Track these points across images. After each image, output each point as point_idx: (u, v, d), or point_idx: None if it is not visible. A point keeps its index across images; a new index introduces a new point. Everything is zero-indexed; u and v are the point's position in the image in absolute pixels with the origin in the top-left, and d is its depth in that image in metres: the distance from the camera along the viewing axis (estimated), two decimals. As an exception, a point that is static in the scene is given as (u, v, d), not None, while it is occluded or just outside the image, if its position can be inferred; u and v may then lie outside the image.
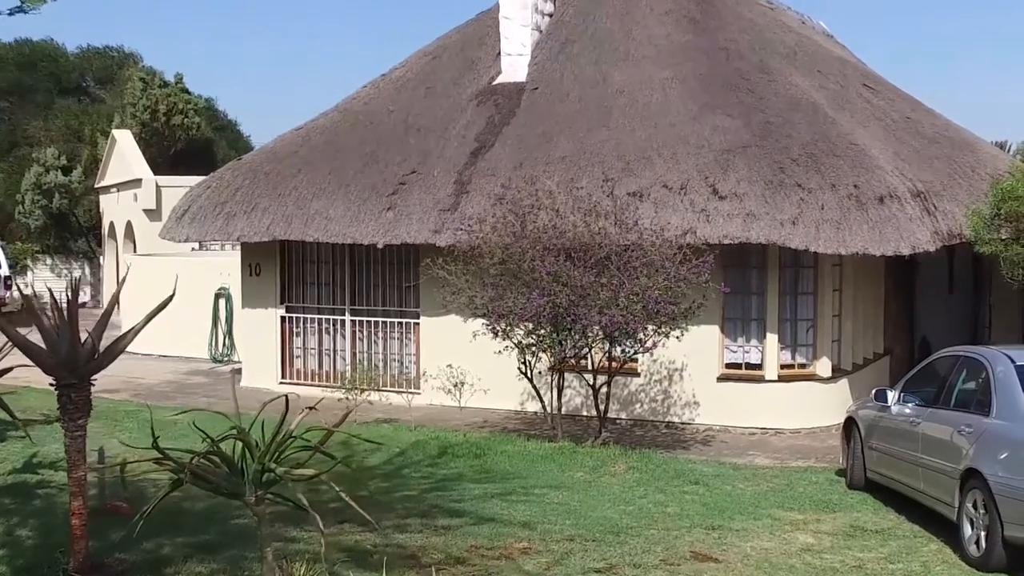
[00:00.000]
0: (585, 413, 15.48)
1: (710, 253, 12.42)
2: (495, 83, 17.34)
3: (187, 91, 31.79)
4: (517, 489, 11.00)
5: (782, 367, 14.84)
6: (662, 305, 11.90)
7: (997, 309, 17.83)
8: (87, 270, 31.69)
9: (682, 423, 15.00)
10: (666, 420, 15.10)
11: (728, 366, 15.04)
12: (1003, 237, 14.82)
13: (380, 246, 15.70)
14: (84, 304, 32.41)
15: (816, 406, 14.58)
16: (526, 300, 11.96)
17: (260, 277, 17.83)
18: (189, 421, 13.96)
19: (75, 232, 31.58)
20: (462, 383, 14.09)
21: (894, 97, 18.09)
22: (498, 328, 12.37)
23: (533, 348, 12.48)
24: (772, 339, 14.70)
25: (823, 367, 14.89)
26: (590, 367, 15.25)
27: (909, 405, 10.25)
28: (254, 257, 17.81)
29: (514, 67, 17.37)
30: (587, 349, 12.63)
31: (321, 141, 17.44)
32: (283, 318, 17.71)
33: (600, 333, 12.22)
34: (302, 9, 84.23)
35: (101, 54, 36.37)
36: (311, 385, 17.20)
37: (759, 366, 14.85)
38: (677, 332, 12.61)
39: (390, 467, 12.07)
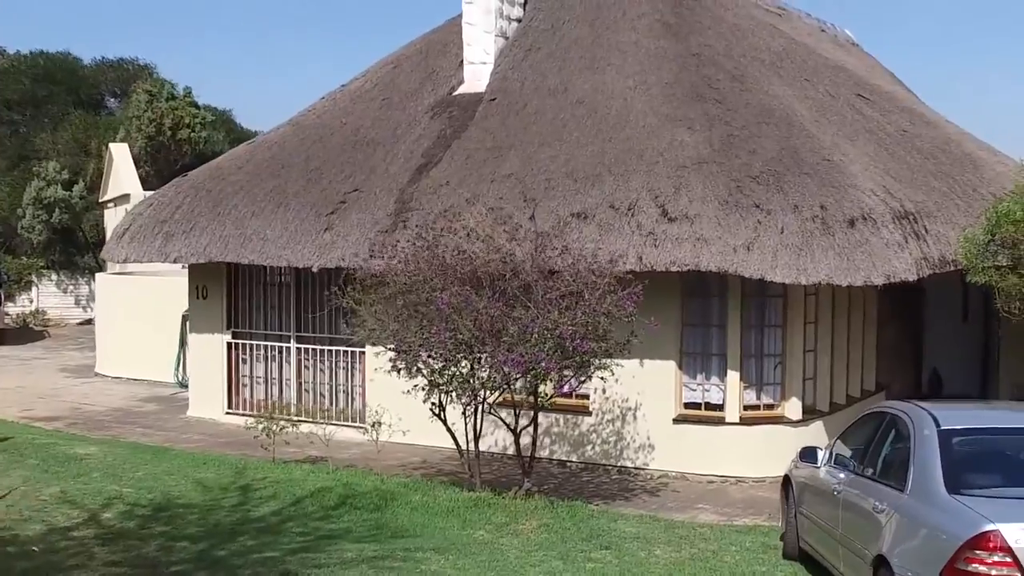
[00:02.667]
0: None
1: (638, 283, 11.03)
2: (456, 93, 16.11)
3: (195, 105, 31.09)
4: (398, 552, 9.70)
5: (746, 408, 13.34)
6: (578, 342, 10.52)
7: (1009, 342, 16.05)
8: (93, 286, 31.06)
9: (635, 468, 13.57)
10: (619, 464, 13.68)
11: (687, 406, 13.58)
12: (999, 265, 13.18)
13: (315, 270, 14.56)
14: (91, 321, 31.79)
15: (783, 452, 12.86)
16: (427, 334, 10.71)
17: (207, 300, 16.81)
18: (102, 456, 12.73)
19: (81, 247, 31.03)
20: (379, 423, 12.83)
21: (891, 108, 16.44)
22: (399, 365, 11.11)
23: (441, 387, 11.18)
24: (733, 377, 13.20)
25: (792, 408, 13.34)
26: (538, 403, 14.02)
27: (838, 468, 8.75)
28: (201, 279, 16.80)
29: (476, 76, 16.12)
30: (501, 388, 11.27)
31: (267, 157, 16.36)
32: (230, 344, 16.65)
33: (514, 372, 10.88)
34: (325, 22, 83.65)
35: (116, 67, 35.98)
36: (258, 416, 16.08)
37: (720, 407, 13.36)
38: (603, 373, 11.25)
39: (275, 519, 10.84)
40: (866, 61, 22.53)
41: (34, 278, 30.14)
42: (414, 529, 10.56)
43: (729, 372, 13.20)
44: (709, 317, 13.46)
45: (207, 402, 16.76)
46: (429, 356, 10.87)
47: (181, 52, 70.93)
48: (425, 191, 14.31)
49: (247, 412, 16.48)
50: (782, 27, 18.54)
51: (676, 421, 13.41)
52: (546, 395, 11.14)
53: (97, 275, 23.90)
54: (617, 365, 11.47)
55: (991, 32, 75.12)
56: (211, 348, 16.74)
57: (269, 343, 16.39)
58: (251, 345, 16.51)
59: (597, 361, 10.95)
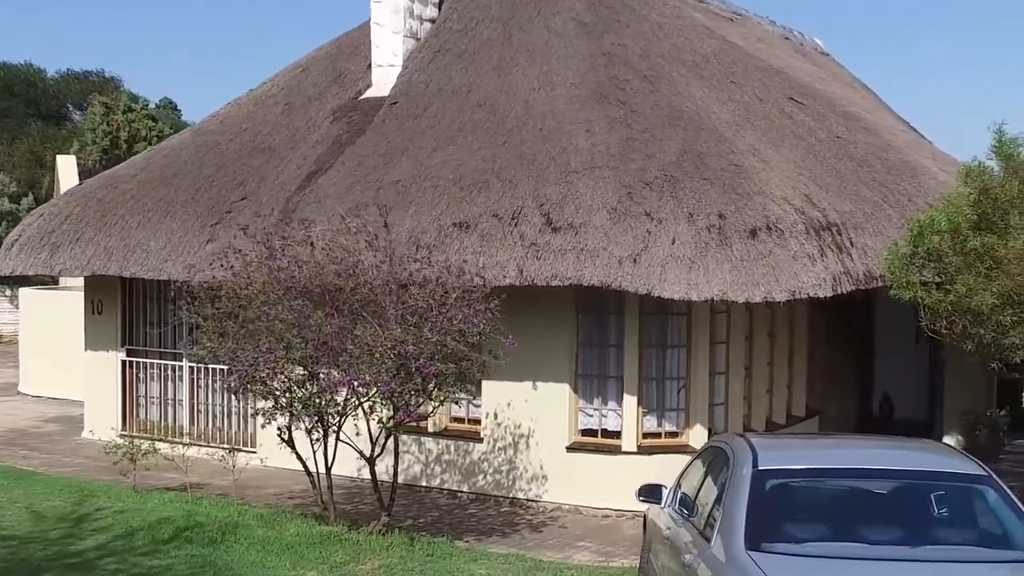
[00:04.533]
0: (424, 483, 13.12)
1: (494, 299, 9.99)
2: (362, 97, 15.16)
3: (153, 118, 30.25)
4: (204, 596, 8.70)
5: (645, 435, 12.24)
6: (422, 363, 9.48)
7: (953, 366, 14.82)
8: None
9: (528, 500, 12.48)
10: (511, 496, 12.60)
11: (584, 433, 12.50)
12: (925, 280, 12.05)
13: (194, 283, 13.55)
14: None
15: (685, 484, 11.87)
16: (259, 353, 9.74)
17: (102, 316, 15.88)
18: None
19: (36, 262, 30.18)
20: (235, 450, 11.83)
21: (827, 113, 15.32)
22: (233, 385, 10.14)
23: (283, 409, 10.16)
24: (630, 402, 12.11)
25: (697, 436, 12.21)
26: (430, 428, 13.05)
27: (676, 510, 7.64)
28: (96, 293, 15.87)
29: (384, 79, 15.18)
30: (344, 413, 10.21)
31: (162, 164, 15.45)
32: (124, 362, 15.69)
33: (354, 394, 9.86)
34: (301, 36, 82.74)
35: (80, 79, 35.27)
36: (153, 439, 15.09)
37: (619, 434, 12.26)
38: (466, 396, 10.23)
39: (94, 554, 9.86)
40: (831, 70, 21.49)
41: (-12, 293, 29.38)
42: (242, 568, 9.54)
43: (626, 396, 12.12)
44: (606, 336, 12.39)
45: (101, 423, 15.78)
46: (265, 376, 9.87)
47: (159, 67, 70.37)
48: (310, 199, 13.35)
49: (142, 434, 15.54)
50: (728, 30, 17.51)
51: (570, 449, 12.33)
52: (386, 420, 10.07)
53: (20, 290, 23.03)
54: (466, 390, 10.42)
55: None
56: (105, 366, 15.79)
57: (164, 361, 15.42)
58: (145, 363, 15.55)
59: (446, 386, 9.91)
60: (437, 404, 10.31)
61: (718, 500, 6.50)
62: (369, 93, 15.17)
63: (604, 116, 12.77)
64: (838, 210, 13.10)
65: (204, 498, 12.07)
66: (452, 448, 12.98)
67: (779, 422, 13.80)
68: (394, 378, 9.60)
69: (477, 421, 12.91)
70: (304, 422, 10.19)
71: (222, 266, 10.95)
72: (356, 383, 9.53)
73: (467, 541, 10.87)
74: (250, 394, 10.26)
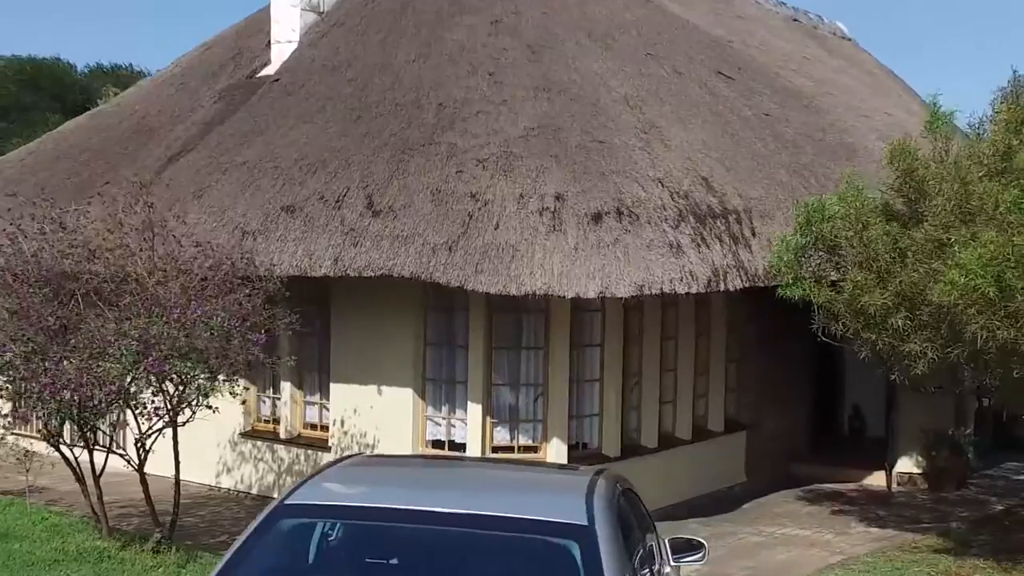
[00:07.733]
0: (276, 495, 11.89)
1: (250, 288, 8.74)
2: (258, 75, 14.08)
3: (171, 110, 29.84)
4: None
5: (495, 449, 10.77)
6: (152, 361, 8.28)
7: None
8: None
9: (371, 518, 11.15)
10: (356, 512, 11.29)
11: (433, 444, 11.10)
12: (821, 275, 10.30)
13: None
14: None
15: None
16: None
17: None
18: None
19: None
20: (29, 453, 10.82)
21: (760, 90, 13.54)
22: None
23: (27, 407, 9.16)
24: (475, 410, 10.67)
25: (556, 451, 10.69)
26: (282, 434, 11.94)
27: None
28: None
29: (281, 56, 14.04)
30: (84, 413, 9.04)
31: (49, 148, 14.68)
32: (17, 357, 14.94)
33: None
34: None
35: (109, 73, 35.24)
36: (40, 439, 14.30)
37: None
38: (213, 400, 8.98)
39: None
40: (846, 54, 19.63)
41: None
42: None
43: (470, 404, 10.69)
44: (454, 335, 10.98)
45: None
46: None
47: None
48: (162, 183, 12.31)
49: (30, 434, 14.74)
50: (694, 3, 15.89)
51: (413, 462, 10.94)
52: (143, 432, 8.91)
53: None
54: (233, 392, 9.15)
55: None
56: (1, 361, 15.06)
57: (53, 357, 14.60)
58: (36, 359, 14.75)
59: (191, 393, 8.71)
60: (191, 409, 9.03)
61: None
62: (266, 71, 14.07)
63: (464, 88, 11.36)
64: (744, 196, 11.44)
65: (15, 504, 11.14)
66: (303, 457, 11.77)
67: (683, 437, 12.13)
68: (133, 379, 8.44)
69: (325, 427, 11.69)
70: (53, 421, 9.12)
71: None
72: (83, 382, 8.39)
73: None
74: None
